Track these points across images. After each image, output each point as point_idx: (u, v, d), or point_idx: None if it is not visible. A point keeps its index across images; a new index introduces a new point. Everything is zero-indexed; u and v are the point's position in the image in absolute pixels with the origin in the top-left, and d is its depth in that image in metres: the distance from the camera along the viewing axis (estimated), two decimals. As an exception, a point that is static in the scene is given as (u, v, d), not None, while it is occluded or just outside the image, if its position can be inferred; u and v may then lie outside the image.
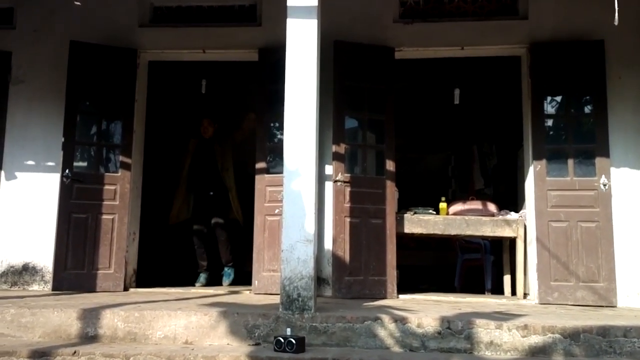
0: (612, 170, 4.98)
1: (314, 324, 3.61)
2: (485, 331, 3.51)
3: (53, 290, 5.15)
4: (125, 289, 5.30)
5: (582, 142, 5.16)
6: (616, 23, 3.85)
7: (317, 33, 4.00)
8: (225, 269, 5.93)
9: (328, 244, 5.12)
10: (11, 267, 5.41)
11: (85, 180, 5.35)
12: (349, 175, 5.17)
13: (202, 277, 5.88)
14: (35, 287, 5.34)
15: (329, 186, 5.17)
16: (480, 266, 6.20)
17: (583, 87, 5.20)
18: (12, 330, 3.76)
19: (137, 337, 3.67)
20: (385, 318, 3.60)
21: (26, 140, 5.54)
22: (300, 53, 3.96)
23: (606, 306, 4.74)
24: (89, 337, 3.68)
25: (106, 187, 5.38)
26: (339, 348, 3.51)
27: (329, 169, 5.18)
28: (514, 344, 3.46)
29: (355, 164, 5.36)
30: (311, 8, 3.96)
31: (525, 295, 5.25)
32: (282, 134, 5.45)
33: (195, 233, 5.99)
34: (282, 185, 4.98)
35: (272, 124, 5.56)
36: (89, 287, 5.17)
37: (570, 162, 5.08)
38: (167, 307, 3.95)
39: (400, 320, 3.58)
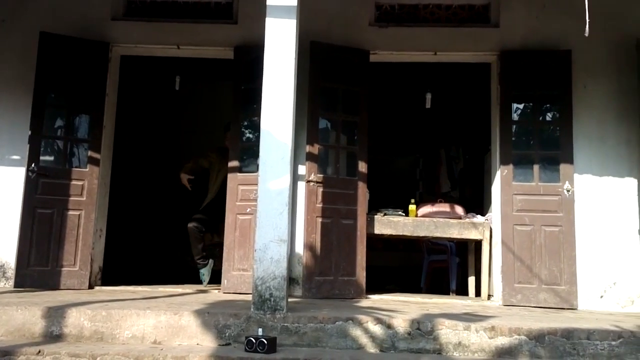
0: (576, 176, 5.08)
1: (285, 324, 3.56)
2: (453, 332, 3.52)
3: (15, 287, 4.96)
4: (91, 286, 5.15)
5: (547, 149, 5.24)
6: (586, 34, 3.90)
7: (296, 33, 3.95)
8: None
9: (299, 244, 5.08)
10: (-29, 262, 5.19)
11: (52, 175, 5.17)
12: (321, 175, 5.13)
13: (206, 270, 5.66)
14: (-3, 284, 5.15)
15: (301, 186, 5.12)
16: (446, 267, 6.26)
17: (550, 95, 5.29)
18: (-28, 328, 3.60)
19: (104, 336, 3.56)
20: (357, 318, 3.57)
21: (-9, 132, 5.34)
22: (278, 52, 3.90)
23: (567, 308, 4.83)
24: (54, 336, 3.54)
25: (73, 182, 5.21)
26: (310, 348, 3.47)
27: (302, 169, 5.13)
28: (481, 345, 3.48)
29: (328, 164, 5.33)
30: (290, 8, 3.91)
31: (489, 296, 5.31)
32: (255, 133, 5.41)
33: (198, 222, 5.66)
34: (254, 184, 4.93)
35: (245, 123, 5.48)
36: (53, 284, 5.00)
37: (536, 167, 5.16)
38: (136, 306, 3.84)
39: (371, 321, 3.56)
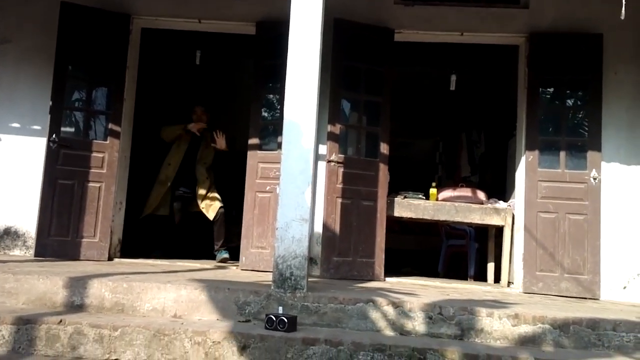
0: (603, 164, 4.99)
1: (305, 304, 3.54)
2: (476, 318, 3.47)
3: (35, 256, 5.00)
4: (110, 258, 5.18)
5: (575, 135, 5.15)
6: (622, 17, 3.80)
7: (322, 8, 3.86)
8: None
9: (318, 224, 5.05)
10: (-8, 230, 5.24)
11: (73, 146, 5.18)
12: (342, 156, 5.08)
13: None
14: (17, 252, 5.19)
15: (322, 166, 5.08)
16: (464, 252, 6.22)
17: (579, 80, 5.17)
18: (-6, 296, 3.62)
19: (124, 308, 3.56)
20: (377, 301, 3.54)
21: (12, 102, 5.34)
22: (303, 28, 3.82)
23: (589, 298, 4.77)
24: (75, 306, 3.56)
25: (94, 154, 5.21)
26: (330, 329, 3.45)
27: (322, 149, 5.08)
28: (504, 332, 3.44)
29: (349, 145, 5.27)
30: (318, -19, 3.81)
31: (509, 283, 5.26)
32: (276, 110, 5.36)
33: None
34: (274, 162, 4.93)
35: (266, 100, 5.42)
36: (73, 255, 5.04)
37: (562, 154, 5.06)
38: (156, 279, 3.85)
39: (392, 304, 3.53)
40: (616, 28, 4.74)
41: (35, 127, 5.29)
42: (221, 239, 5.65)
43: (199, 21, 5.49)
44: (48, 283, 3.62)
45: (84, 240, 5.10)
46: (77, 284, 3.61)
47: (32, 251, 5.09)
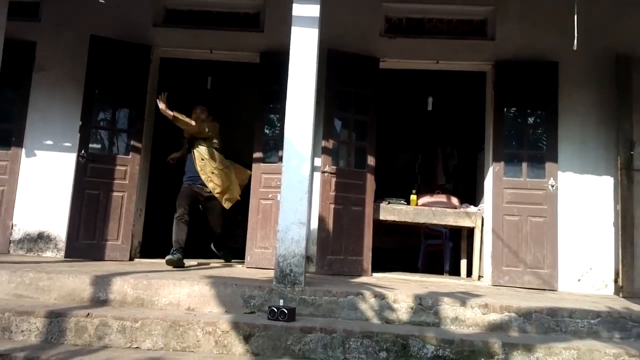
0: (560, 174, 5.00)
1: (303, 297, 3.53)
2: (451, 308, 3.48)
3: (65, 257, 4.96)
4: (131, 259, 5.14)
5: (535, 149, 5.16)
6: (575, 48, 3.86)
7: (317, 40, 3.88)
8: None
9: (314, 227, 5.02)
10: (27, 234, 5.19)
11: (99, 160, 5.15)
12: (335, 167, 5.08)
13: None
14: (49, 254, 5.14)
15: (317, 176, 5.05)
16: (440, 251, 6.21)
17: (538, 101, 5.18)
18: (30, 292, 3.59)
19: (144, 302, 3.54)
20: (366, 294, 3.54)
21: (46, 122, 5.31)
22: (301, 57, 3.84)
23: (549, 290, 4.77)
24: (100, 301, 3.54)
25: (117, 167, 5.18)
26: (324, 318, 3.44)
27: (317, 161, 5.06)
28: (475, 320, 3.44)
29: (340, 157, 5.27)
30: (313, 18, 3.84)
31: (479, 277, 5.26)
32: (277, 128, 5.35)
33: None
34: (276, 173, 4.92)
35: (268, 119, 5.42)
36: (98, 256, 5.00)
37: (524, 165, 5.08)
38: (172, 276, 3.82)
39: (378, 296, 3.53)
40: (570, 57, 4.78)
41: (66, 144, 5.26)
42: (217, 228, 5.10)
43: (211, 51, 5.49)
44: (77, 281, 3.60)
45: (108, 242, 5.07)
46: (102, 282, 3.59)
47: (62, 253, 5.05)
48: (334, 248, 4.98)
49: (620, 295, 4.63)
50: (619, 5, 5.00)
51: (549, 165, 5.02)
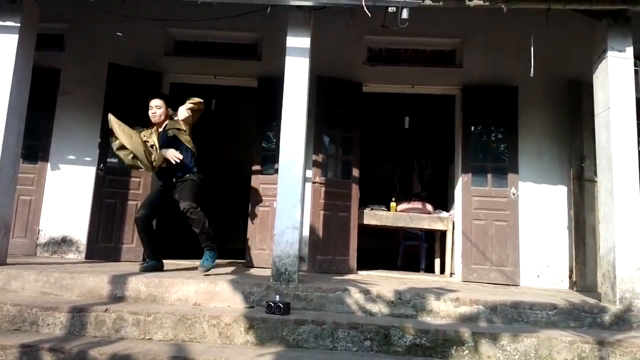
0: (520, 183, 5.06)
1: (297, 293, 3.53)
2: (427, 302, 3.49)
3: (85, 259, 4.91)
4: (144, 260, 5.07)
5: (498, 161, 5.21)
6: (532, 74, 3.92)
7: (308, 68, 3.92)
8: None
9: (306, 231, 5.02)
10: (52, 238, 5.14)
11: (116, 173, 5.12)
12: (324, 178, 5.10)
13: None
14: (71, 256, 5.09)
15: (308, 186, 5.07)
16: (417, 251, 6.22)
17: (501, 120, 5.25)
18: (54, 290, 3.55)
19: (156, 299, 3.52)
20: (352, 289, 3.54)
21: (69, 139, 5.28)
22: (294, 82, 3.88)
23: (512, 285, 4.81)
24: (117, 298, 3.51)
25: (132, 179, 5.15)
26: (315, 312, 3.44)
27: (309, 173, 5.08)
28: (448, 312, 3.46)
29: (329, 169, 5.27)
30: (304, 49, 3.89)
31: (451, 274, 5.27)
32: (273, 143, 5.37)
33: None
34: (272, 183, 4.92)
35: (265, 136, 5.43)
36: (115, 257, 4.95)
37: (489, 176, 5.13)
38: (181, 275, 3.81)
39: (363, 292, 3.53)
40: (528, 82, 4.78)
41: (87, 158, 5.24)
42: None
43: (215, 77, 5.51)
44: (96, 280, 3.57)
45: (123, 245, 5.03)
46: (119, 280, 3.56)
47: (83, 255, 5.00)
48: (324, 249, 4.98)
49: (574, 289, 4.67)
50: (569, 38, 5.10)
51: (510, 176, 5.08)
